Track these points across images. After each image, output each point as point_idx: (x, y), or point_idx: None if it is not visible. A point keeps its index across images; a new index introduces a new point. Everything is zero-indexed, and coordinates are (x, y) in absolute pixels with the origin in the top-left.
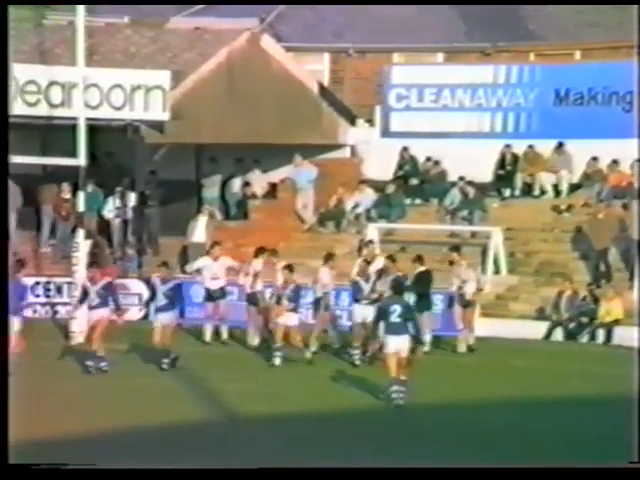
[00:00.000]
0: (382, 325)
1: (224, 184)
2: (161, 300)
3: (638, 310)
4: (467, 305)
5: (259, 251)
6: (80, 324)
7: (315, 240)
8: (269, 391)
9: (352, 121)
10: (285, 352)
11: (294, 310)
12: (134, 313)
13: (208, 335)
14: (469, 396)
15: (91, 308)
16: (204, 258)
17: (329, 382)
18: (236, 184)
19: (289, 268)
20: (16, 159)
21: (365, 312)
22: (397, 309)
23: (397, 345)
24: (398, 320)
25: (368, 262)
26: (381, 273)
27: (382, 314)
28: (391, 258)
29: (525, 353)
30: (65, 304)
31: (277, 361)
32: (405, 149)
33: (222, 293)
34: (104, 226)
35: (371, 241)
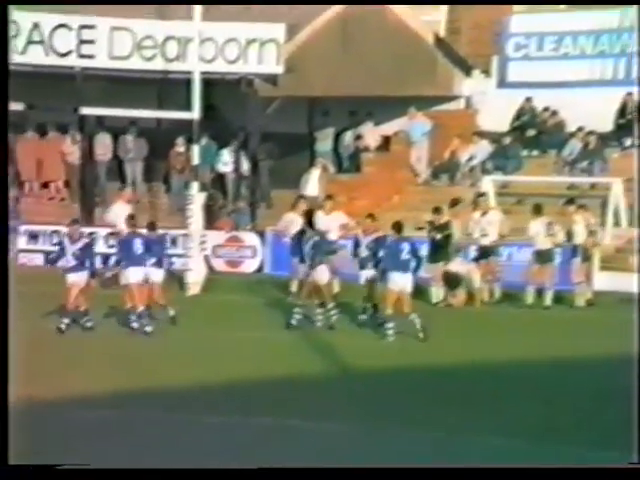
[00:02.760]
0: (389, 263)
1: (337, 137)
2: (70, 261)
3: (638, 301)
4: (586, 258)
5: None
6: (195, 275)
7: (428, 193)
8: (382, 345)
9: (468, 72)
10: None
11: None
12: (249, 265)
13: None
14: (588, 351)
15: None
16: (317, 213)
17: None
18: (349, 137)
19: None
20: (133, 113)
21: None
22: (406, 247)
23: (403, 282)
24: (407, 257)
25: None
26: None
27: (392, 252)
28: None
29: None
30: (180, 256)
31: None
32: (528, 100)
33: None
34: (218, 179)
35: (483, 194)
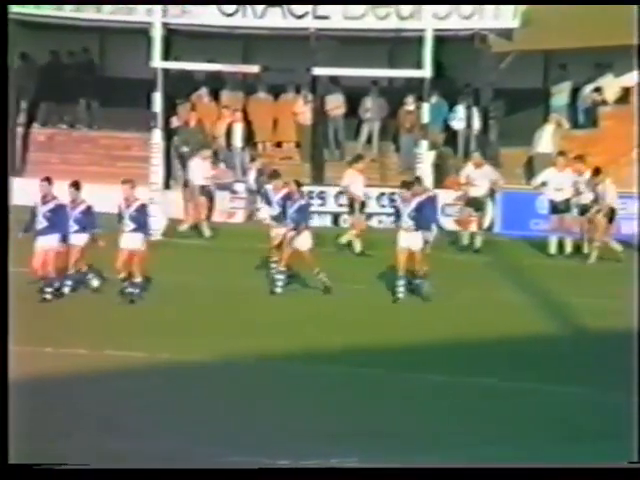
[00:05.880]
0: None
1: (574, 91)
2: (41, 222)
3: (638, 305)
4: None
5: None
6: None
7: None
8: (619, 306)
9: None
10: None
11: None
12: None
13: (553, 247)
14: None
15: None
16: (549, 170)
17: None
18: (586, 90)
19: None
20: (364, 72)
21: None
22: (412, 205)
23: (408, 241)
24: (412, 216)
25: None
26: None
27: (397, 213)
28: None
29: None
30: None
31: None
32: None
33: (567, 205)
34: (449, 137)
35: None
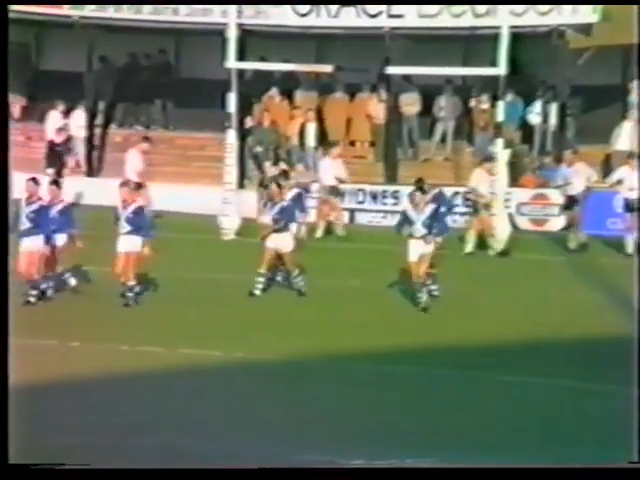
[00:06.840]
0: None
1: None
2: (24, 223)
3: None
4: None
5: None
6: (499, 234)
7: None
8: None
9: None
10: None
11: None
12: (553, 224)
13: (630, 247)
14: None
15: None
16: (624, 168)
17: None
18: None
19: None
20: (438, 71)
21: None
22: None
23: (422, 249)
24: (426, 224)
25: None
26: None
27: (407, 221)
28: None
29: None
30: (462, 214)
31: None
32: None
33: None
34: (524, 135)
35: None
